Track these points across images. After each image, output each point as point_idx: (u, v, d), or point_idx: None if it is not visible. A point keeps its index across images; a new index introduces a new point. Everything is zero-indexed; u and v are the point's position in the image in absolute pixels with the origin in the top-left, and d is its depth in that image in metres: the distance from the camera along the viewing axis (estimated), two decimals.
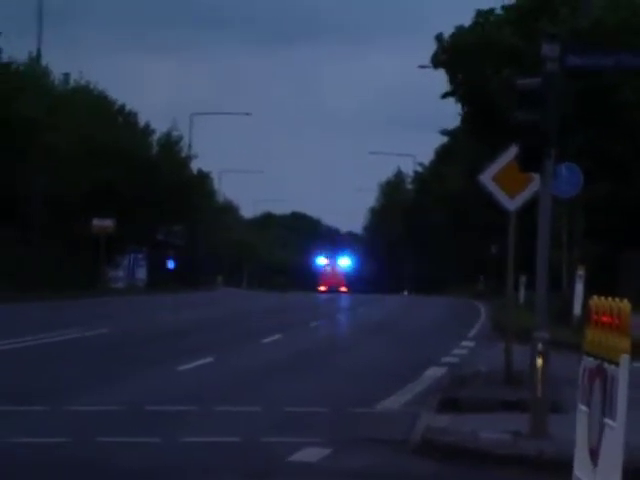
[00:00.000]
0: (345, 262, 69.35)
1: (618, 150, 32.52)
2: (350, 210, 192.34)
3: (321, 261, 71.29)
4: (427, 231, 78.56)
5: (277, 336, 24.09)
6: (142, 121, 66.03)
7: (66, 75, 60.48)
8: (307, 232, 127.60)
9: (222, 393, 13.72)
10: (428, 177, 79.00)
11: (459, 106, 36.45)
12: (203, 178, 74.94)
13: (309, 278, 74.54)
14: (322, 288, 64.67)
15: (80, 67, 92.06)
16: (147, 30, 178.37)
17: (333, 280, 66.16)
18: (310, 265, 78.22)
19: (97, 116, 58.12)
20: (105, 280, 61.15)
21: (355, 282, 69.77)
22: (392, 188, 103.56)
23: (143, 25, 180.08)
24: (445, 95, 35.93)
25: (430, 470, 8.94)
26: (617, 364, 6.10)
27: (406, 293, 68.10)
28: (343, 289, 64.42)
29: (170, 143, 68.09)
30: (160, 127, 67.79)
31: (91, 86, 61.44)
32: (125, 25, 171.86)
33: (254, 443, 9.98)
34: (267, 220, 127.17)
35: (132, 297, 53.10)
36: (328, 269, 69.59)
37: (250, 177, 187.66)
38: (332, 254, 72.50)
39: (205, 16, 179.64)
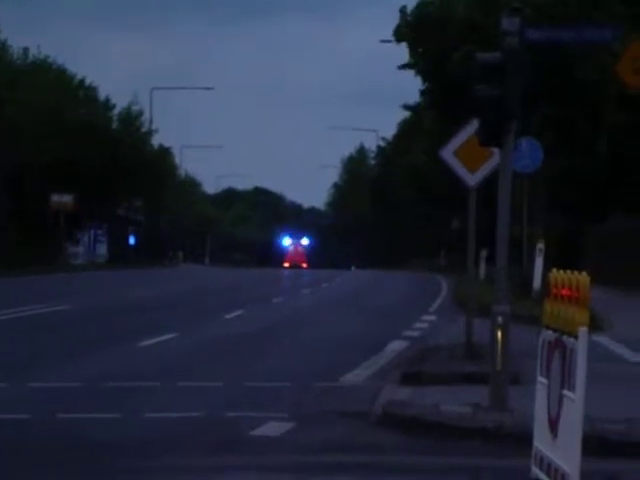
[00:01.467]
0: (306, 242, 77.47)
1: (579, 125, 32.75)
2: (313, 186, 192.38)
3: (286, 241, 78.99)
4: (390, 206, 78.83)
5: (240, 312, 24.10)
6: (102, 95, 65.53)
7: (25, 49, 59.85)
8: (270, 208, 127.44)
9: (185, 369, 13.72)
10: (391, 152, 79.12)
11: (420, 80, 36.49)
12: (164, 153, 74.51)
13: (273, 255, 78.74)
14: (286, 264, 72.55)
15: (40, 42, 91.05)
16: (113, 10, 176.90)
17: (296, 257, 74.00)
18: (274, 243, 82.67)
19: (57, 90, 57.59)
20: (65, 256, 60.77)
21: (315, 259, 75.91)
22: (355, 163, 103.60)
23: (110, 5, 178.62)
24: (403, 66, 35.92)
25: (392, 442, 9.01)
26: (576, 337, 6.17)
27: (353, 268, 71.26)
28: (304, 265, 72.18)
29: (130, 118, 67.59)
30: (121, 102, 67.33)
31: (50, 60, 60.84)
32: (92, 4, 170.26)
33: (217, 418, 10.00)
34: (230, 196, 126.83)
35: (93, 273, 52.84)
36: (291, 248, 77.30)
37: (212, 153, 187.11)
38: (295, 234, 79.54)
39: None
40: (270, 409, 10.30)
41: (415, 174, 59.95)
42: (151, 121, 69.36)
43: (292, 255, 74.50)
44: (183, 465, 7.93)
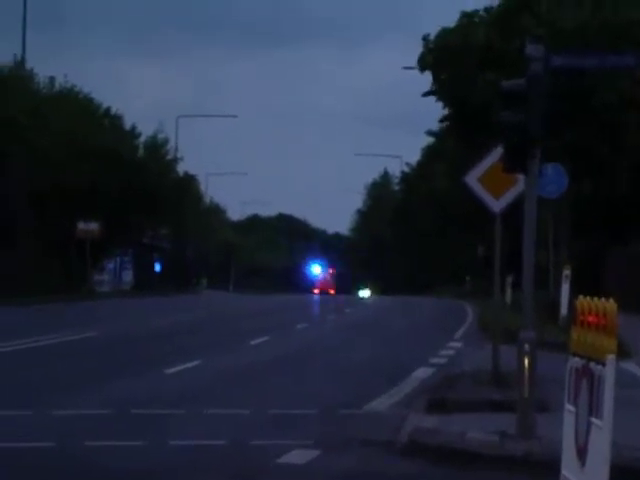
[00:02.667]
0: (333, 271, 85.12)
1: (600, 149, 32.66)
2: (337, 211, 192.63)
3: (315, 269, 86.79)
4: (414, 232, 78.83)
5: (265, 338, 24.09)
6: (128, 124, 65.98)
7: (51, 78, 60.40)
8: (294, 233, 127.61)
9: (210, 396, 13.71)
10: (415, 178, 79.16)
11: (441, 106, 36.48)
12: (189, 181, 74.86)
13: (300, 281, 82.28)
14: (316, 291, 78.91)
15: (65, 70, 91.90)
16: (132, 34, 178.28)
17: (325, 285, 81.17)
18: (301, 269, 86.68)
19: (83, 119, 58.01)
20: (91, 284, 61.02)
21: (342, 285, 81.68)
22: (379, 189, 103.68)
23: (129, 29, 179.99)
24: (426, 94, 35.98)
25: (418, 471, 8.95)
26: (603, 364, 6.13)
27: (369, 294, 74.24)
28: (332, 292, 78.12)
29: (156, 146, 68.00)
30: (146, 130, 67.77)
31: (76, 89, 61.36)
32: (110, 29, 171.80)
33: (242, 445, 9.98)
34: (254, 222, 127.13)
35: (118, 300, 53.00)
36: (321, 276, 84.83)
37: (236, 179, 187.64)
38: (323, 262, 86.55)
39: (191, 20, 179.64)
40: (295, 437, 10.27)
41: (438, 199, 59.90)
42: (176, 149, 69.81)
43: (321, 282, 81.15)
44: None
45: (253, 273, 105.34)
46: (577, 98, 30.11)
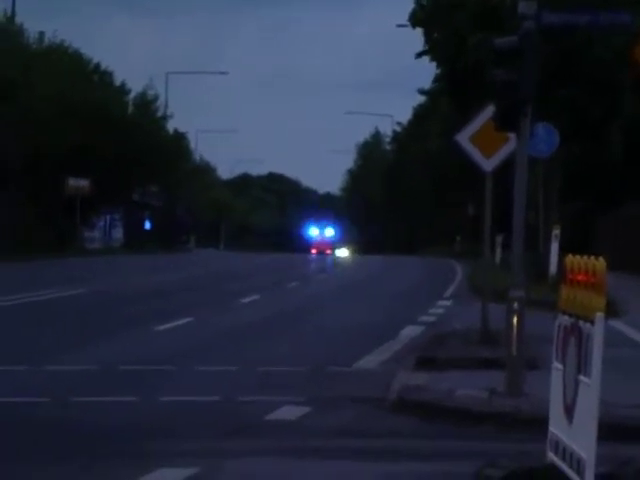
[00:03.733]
0: (330, 232, 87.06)
1: (593, 109, 32.57)
2: (327, 171, 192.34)
3: (313, 231, 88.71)
4: (406, 191, 78.84)
5: (256, 296, 24.15)
6: (117, 80, 65.57)
7: (41, 34, 59.93)
8: (285, 193, 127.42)
9: (200, 353, 13.76)
10: (406, 137, 78.97)
11: (434, 65, 36.30)
12: (179, 138, 74.58)
13: (297, 242, 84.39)
14: (314, 251, 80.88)
15: (55, 25, 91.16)
16: None
17: (322, 245, 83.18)
18: (298, 230, 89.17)
19: (72, 74, 57.61)
20: (81, 241, 60.93)
21: (337, 246, 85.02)
22: (370, 149, 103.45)
23: None
24: (420, 54, 35.81)
25: (407, 427, 9.02)
26: (592, 322, 6.16)
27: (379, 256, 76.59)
28: (329, 252, 79.97)
29: (146, 102, 67.64)
30: (136, 87, 67.36)
31: (66, 44, 60.91)
32: None
33: (233, 402, 10.03)
34: (244, 181, 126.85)
35: (108, 258, 52.99)
36: (319, 238, 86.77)
37: (227, 138, 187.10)
38: (320, 224, 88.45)
39: None
40: (285, 393, 10.33)
41: (430, 159, 59.86)
42: (166, 106, 69.46)
43: (319, 243, 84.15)
44: (198, 449, 7.96)
45: (244, 232, 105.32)
46: (570, 56, 29.99)
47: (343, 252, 79.73)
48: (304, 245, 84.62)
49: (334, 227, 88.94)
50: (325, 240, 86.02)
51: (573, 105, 31.05)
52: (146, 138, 63.48)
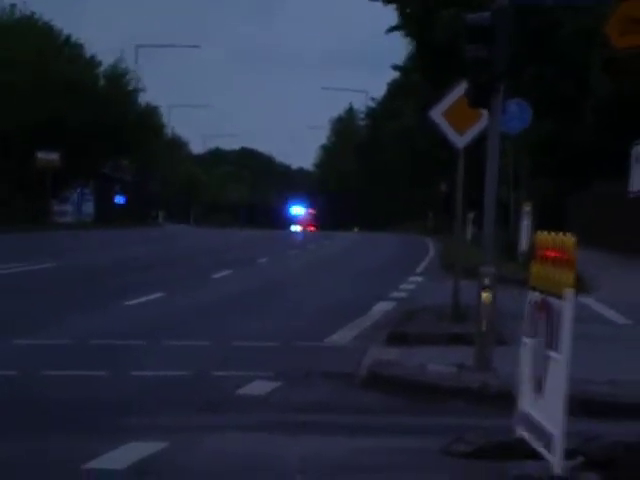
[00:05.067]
0: (311, 211, 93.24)
1: (564, 89, 32.66)
2: (302, 147, 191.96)
3: (296, 210, 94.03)
4: (379, 168, 78.88)
5: (227, 272, 24.12)
6: (88, 53, 65.05)
7: (12, 6, 59.35)
8: (257, 168, 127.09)
9: (171, 328, 13.74)
10: (381, 113, 78.89)
11: (407, 41, 36.23)
12: (151, 112, 74.15)
13: (277, 218, 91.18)
14: (299, 228, 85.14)
15: None
16: None
17: (305, 222, 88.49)
18: (279, 208, 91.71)
19: (43, 47, 57.10)
20: (52, 215, 60.59)
21: (318, 222, 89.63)
22: (344, 124, 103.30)
23: None
24: (390, 30, 35.71)
25: (378, 402, 9.05)
26: (562, 298, 6.19)
27: (356, 230, 78.74)
28: (312, 229, 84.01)
29: (117, 75, 67.17)
30: (107, 60, 66.86)
31: (36, 16, 60.34)
32: None
33: (204, 377, 10.03)
34: (216, 156, 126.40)
35: (80, 232, 52.73)
36: (302, 215, 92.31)
37: (199, 112, 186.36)
38: (302, 202, 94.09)
39: None
40: (256, 369, 10.33)
41: (403, 136, 59.85)
42: (138, 79, 68.98)
43: (303, 220, 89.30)
44: (168, 423, 7.95)
45: (215, 208, 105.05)
46: (541, 34, 30.04)
47: (296, 227, 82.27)
48: (286, 222, 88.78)
49: (314, 206, 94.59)
50: (309, 217, 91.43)
51: (543, 82, 31.13)
52: (117, 112, 63.09)
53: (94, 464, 6.59)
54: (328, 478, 6.52)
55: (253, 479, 6.45)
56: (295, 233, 68.64)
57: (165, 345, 11.97)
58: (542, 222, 25.28)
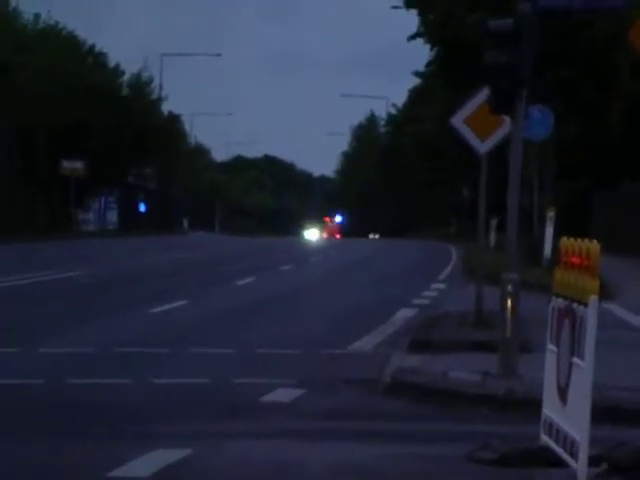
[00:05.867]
0: (338, 219, 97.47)
1: (589, 92, 32.54)
2: (322, 153, 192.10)
3: (325, 219, 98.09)
4: (401, 174, 78.85)
5: (250, 279, 24.16)
6: (112, 62, 65.40)
7: (36, 15, 59.77)
8: (280, 175, 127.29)
9: (195, 335, 13.77)
10: (402, 120, 78.82)
11: (428, 48, 36.21)
12: (174, 120, 74.45)
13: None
14: (325, 235, 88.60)
15: (50, 7, 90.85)
16: None
17: (332, 230, 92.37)
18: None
19: (67, 56, 57.48)
20: (76, 223, 60.86)
21: (345, 230, 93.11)
22: (365, 131, 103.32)
23: None
24: (413, 37, 35.69)
25: (401, 409, 9.04)
26: (586, 305, 6.17)
27: (377, 236, 79.40)
28: (338, 236, 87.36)
29: (140, 84, 67.49)
30: (130, 69, 67.20)
31: (60, 26, 60.73)
32: None
33: (227, 384, 10.05)
34: (239, 163, 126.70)
35: (104, 240, 52.94)
36: (329, 223, 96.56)
37: (221, 120, 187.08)
38: (332, 213, 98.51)
39: None
40: (280, 376, 10.34)
41: (425, 142, 59.77)
42: (161, 87, 69.29)
43: (329, 228, 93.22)
44: (192, 431, 7.97)
45: (239, 215, 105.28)
46: (566, 38, 29.95)
47: (312, 234, 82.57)
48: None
49: (341, 215, 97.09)
50: (335, 225, 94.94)
51: (570, 87, 31.02)
52: (140, 120, 63.36)
53: (118, 472, 6.61)
54: None
55: None
56: (310, 241, 68.27)
57: (189, 352, 12.00)
58: (567, 226, 25.22)
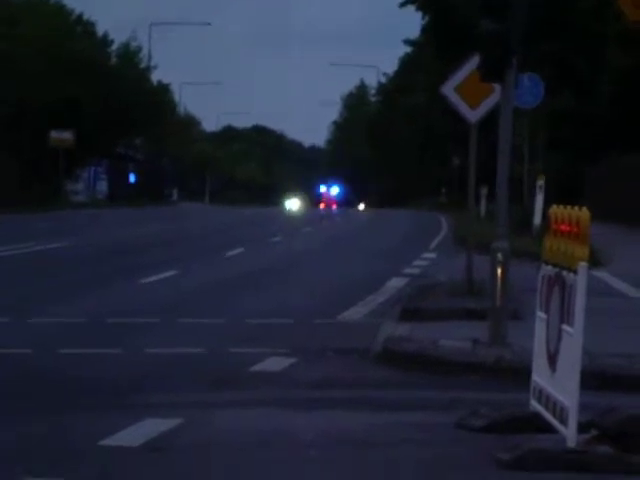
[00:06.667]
0: (335, 190, 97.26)
1: (579, 63, 32.48)
2: (312, 124, 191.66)
3: (321, 189, 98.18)
4: (392, 144, 78.72)
5: (240, 250, 24.15)
6: (100, 31, 65.02)
7: None
8: (270, 146, 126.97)
9: (186, 305, 13.77)
10: (392, 89, 78.65)
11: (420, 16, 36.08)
12: (163, 90, 74.10)
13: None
14: (322, 205, 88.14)
15: None
16: None
17: (329, 200, 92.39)
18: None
19: (55, 26, 57.08)
20: (65, 193, 60.68)
21: (342, 201, 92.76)
22: (355, 101, 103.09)
23: None
24: (404, 3, 35.52)
25: (392, 378, 9.07)
26: (575, 272, 6.18)
27: (363, 207, 79.84)
28: (334, 206, 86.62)
29: (129, 54, 67.13)
30: (119, 38, 66.83)
31: None
32: None
33: (218, 354, 10.05)
34: (229, 134, 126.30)
35: (94, 211, 52.83)
36: (325, 193, 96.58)
37: (211, 90, 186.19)
38: (327, 183, 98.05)
39: None
40: (270, 345, 10.35)
41: (416, 111, 59.66)
42: (150, 57, 68.95)
43: (326, 199, 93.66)
44: (182, 400, 7.98)
45: (229, 186, 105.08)
46: (555, 7, 29.86)
47: (293, 204, 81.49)
48: (313, 200, 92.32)
49: (338, 186, 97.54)
50: (331, 196, 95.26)
51: (559, 56, 30.96)
52: (130, 90, 63.07)
53: (109, 441, 6.62)
54: (343, 453, 6.54)
55: (267, 454, 6.47)
56: (290, 211, 67.63)
57: (179, 323, 12.00)
58: (557, 196, 25.25)
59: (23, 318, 12.04)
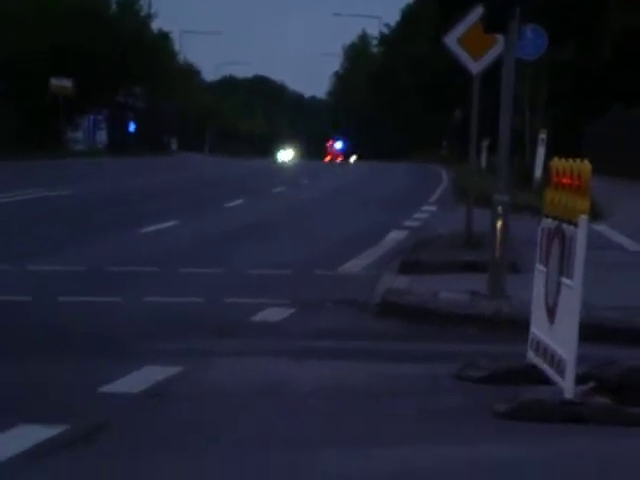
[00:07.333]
0: (340, 144, 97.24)
1: (581, 11, 32.25)
2: (313, 74, 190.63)
3: (328, 142, 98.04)
4: (393, 95, 78.35)
5: (240, 201, 24.13)
6: None
7: None
8: (270, 96, 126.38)
9: (185, 255, 13.78)
10: (394, 39, 78.13)
11: None
12: (163, 38, 73.62)
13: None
14: (327, 158, 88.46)
15: None
16: None
17: (334, 153, 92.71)
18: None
19: None
20: (65, 141, 60.49)
21: (347, 153, 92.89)
22: (357, 51, 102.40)
23: None
24: None
25: (391, 329, 9.10)
26: (576, 225, 6.17)
27: (354, 159, 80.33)
28: (339, 159, 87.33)
29: (129, 1, 66.64)
30: None
31: None
32: None
33: (217, 303, 10.08)
34: (229, 84, 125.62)
35: (94, 160, 52.70)
36: (330, 146, 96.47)
37: (212, 40, 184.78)
38: (333, 137, 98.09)
39: None
40: (270, 296, 10.38)
41: (418, 63, 59.33)
42: (150, 5, 68.46)
43: (332, 152, 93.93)
44: (182, 348, 8.02)
45: (230, 137, 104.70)
46: None
47: (285, 155, 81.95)
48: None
49: (343, 140, 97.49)
50: (336, 149, 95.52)
51: (561, 6, 30.70)
52: (129, 37, 62.67)
53: (109, 388, 6.65)
54: (342, 403, 6.58)
55: (266, 403, 6.51)
56: (282, 162, 67.80)
57: (179, 272, 12.02)
58: (558, 149, 25.17)
59: (22, 265, 12.06)
